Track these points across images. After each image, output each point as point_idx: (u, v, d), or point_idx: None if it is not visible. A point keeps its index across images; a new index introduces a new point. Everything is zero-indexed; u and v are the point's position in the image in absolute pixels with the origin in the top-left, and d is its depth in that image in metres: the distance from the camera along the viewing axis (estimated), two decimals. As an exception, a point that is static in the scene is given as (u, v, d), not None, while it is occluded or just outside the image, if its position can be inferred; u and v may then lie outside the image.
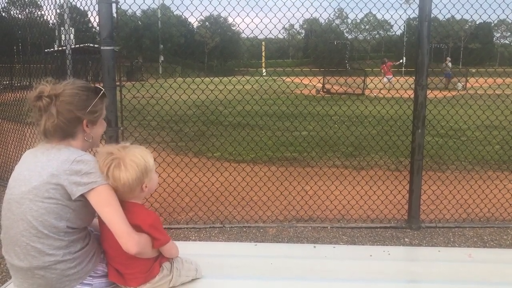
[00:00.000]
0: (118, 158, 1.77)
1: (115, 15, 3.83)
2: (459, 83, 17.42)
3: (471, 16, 4.64)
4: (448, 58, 26.59)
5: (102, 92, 1.91)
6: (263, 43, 37.72)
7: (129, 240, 1.72)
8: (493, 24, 72.67)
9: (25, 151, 1.94)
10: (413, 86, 4.18)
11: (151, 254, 1.88)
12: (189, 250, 2.18)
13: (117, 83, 3.86)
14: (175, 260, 2.01)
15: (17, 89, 6.60)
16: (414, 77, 4.14)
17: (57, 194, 1.70)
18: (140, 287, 1.90)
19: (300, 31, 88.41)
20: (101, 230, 1.88)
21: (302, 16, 4.81)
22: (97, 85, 2.00)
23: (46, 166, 1.73)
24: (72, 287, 1.79)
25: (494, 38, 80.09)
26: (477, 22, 65.45)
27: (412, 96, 4.19)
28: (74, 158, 1.73)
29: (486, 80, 4.81)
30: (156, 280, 1.91)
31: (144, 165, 1.80)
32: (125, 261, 1.85)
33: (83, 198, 1.73)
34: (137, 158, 1.80)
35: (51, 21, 6.11)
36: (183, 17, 56.36)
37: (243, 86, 4.82)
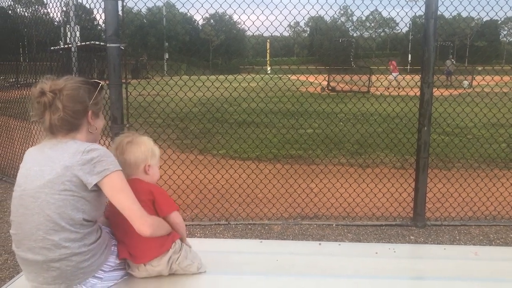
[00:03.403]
0: (132, 137, 2.06)
1: (120, 12, 3.84)
2: (465, 81, 17.33)
3: (478, 13, 4.60)
4: (450, 56, 26.69)
5: (101, 84, 1.97)
6: (268, 41, 37.64)
7: (142, 223, 1.79)
8: (499, 22, 72.19)
9: (31, 147, 1.95)
10: (419, 83, 4.17)
11: (165, 233, 1.98)
12: (194, 247, 2.18)
13: (123, 81, 3.87)
14: (183, 244, 2.09)
15: (23, 87, 6.63)
16: (420, 75, 4.13)
17: (72, 186, 1.74)
18: (152, 261, 1.97)
19: (305, 29, 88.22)
20: (114, 217, 1.94)
21: (308, 13, 4.80)
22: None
23: (58, 160, 1.76)
24: (85, 280, 1.82)
25: (501, 36, 79.53)
26: (484, 20, 65.10)
27: (418, 93, 4.17)
28: (83, 148, 1.77)
29: (493, 78, 4.78)
30: (169, 253, 1.99)
31: (152, 147, 2.08)
32: (137, 244, 1.92)
33: (97, 187, 1.77)
34: (147, 140, 2.09)
35: (56, 19, 6.14)
36: (189, 14, 56.36)
37: (249, 83, 4.82)
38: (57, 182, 1.73)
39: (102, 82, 1.99)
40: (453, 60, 26.29)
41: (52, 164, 1.76)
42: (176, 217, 2.04)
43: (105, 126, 2.14)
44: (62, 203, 1.73)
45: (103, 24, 3.78)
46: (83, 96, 1.86)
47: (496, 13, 4.72)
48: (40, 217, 1.73)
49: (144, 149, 2.04)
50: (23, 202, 1.78)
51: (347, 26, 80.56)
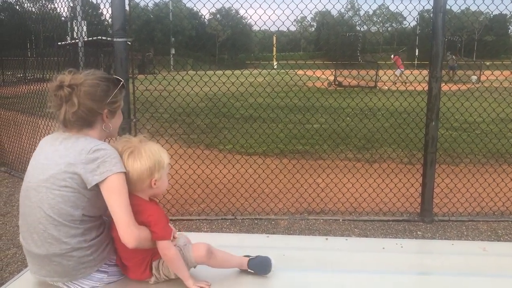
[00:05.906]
0: (133, 147, 1.81)
1: (127, 7, 3.84)
2: (473, 76, 17.19)
3: (488, 6, 4.55)
4: (448, 53, 26.48)
5: (122, 83, 1.93)
6: (275, 35, 37.50)
7: (127, 232, 1.71)
8: (508, 16, 71.38)
9: (39, 141, 1.95)
10: (426, 78, 4.14)
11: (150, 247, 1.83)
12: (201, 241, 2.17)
13: (130, 75, 3.87)
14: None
15: (30, 82, 6.67)
16: (427, 70, 4.09)
17: (73, 183, 1.72)
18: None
19: (312, 23, 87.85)
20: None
21: (315, 7, 4.77)
22: None
23: (64, 156, 1.75)
24: (88, 274, 1.82)
25: (510, 30, 78.64)
26: (492, 14, 64.42)
27: (426, 88, 4.14)
28: (91, 147, 1.75)
29: (502, 72, 4.73)
30: (153, 279, 1.91)
31: (158, 159, 1.82)
32: (124, 254, 1.86)
33: (97, 187, 1.74)
34: (153, 149, 1.83)
35: (63, 14, 6.16)
36: (195, 9, 56.27)
37: (255, 78, 4.81)
38: (58, 178, 1.72)
39: (123, 80, 1.94)
40: (452, 55, 26.04)
41: (58, 159, 1.75)
42: (163, 247, 1.81)
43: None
44: (61, 199, 1.72)
45: (110, 19, 3.79)
46: (100, 94, 1.83)
47: (506, 6, 4.67)
48: (41, 211, 1.74)
49: (149, 163, 1.79)
50: (28, 194, 1.79)
51: (354, 20, 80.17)
